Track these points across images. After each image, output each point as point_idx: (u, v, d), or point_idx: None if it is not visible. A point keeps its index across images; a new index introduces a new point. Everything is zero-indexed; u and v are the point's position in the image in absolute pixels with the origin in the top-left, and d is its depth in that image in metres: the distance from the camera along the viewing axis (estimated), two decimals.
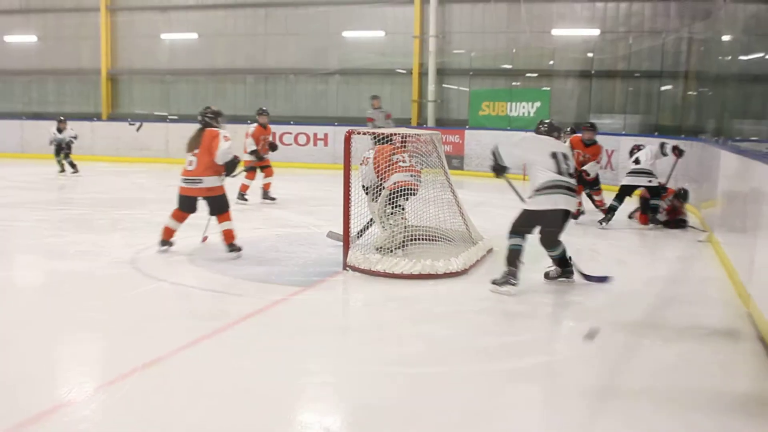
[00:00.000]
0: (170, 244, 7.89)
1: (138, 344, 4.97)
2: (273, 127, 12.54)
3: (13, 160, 19.69)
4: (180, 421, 3.79)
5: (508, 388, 4.32)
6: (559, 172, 6.41)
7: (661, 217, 10.07)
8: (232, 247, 7.71)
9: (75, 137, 16.18)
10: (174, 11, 21.00)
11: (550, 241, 6.60)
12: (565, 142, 10.93)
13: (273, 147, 12.02)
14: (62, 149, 16.03)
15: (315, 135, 18.32)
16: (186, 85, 21.29)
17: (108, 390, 4.18)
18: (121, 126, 20.13)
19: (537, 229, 6.50)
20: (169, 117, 20.64)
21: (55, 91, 22.30)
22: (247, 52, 20.51)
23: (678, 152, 10.31)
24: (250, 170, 11.73)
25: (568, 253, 6.73)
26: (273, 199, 11.99)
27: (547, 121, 6.99)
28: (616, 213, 10.17)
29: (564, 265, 6.75)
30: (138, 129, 18.60)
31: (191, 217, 7.81)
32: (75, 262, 7.54)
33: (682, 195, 10.23)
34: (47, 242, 8.75)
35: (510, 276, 6.36)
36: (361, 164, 7.79)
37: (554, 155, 6.47)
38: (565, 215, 6.45)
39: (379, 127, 12.18)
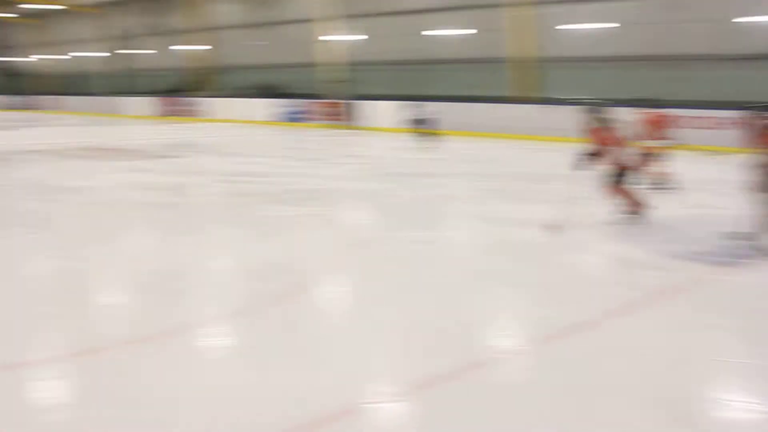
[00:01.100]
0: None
1: (566, 306, 5.05)
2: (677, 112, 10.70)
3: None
4: (604, 386, 3.76)
5: None
6: None
7: None
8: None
9: (433, 116, 16.94)
10: (593, 2, 20.72)
11: None
12: None
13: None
14: (422, 126, 16.85)
15: (719, 120, 16.44)
16: (603, 71, 20.85)
17: (538, 347, 4.33)
18: (524, 108, 20.12)
19: None
20: (588, 101, 20.26)
21: (482, 77, 23.32)
22: (657, 39, 19.44)
23: None
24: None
25: None
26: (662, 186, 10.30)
27: None
28: None
29: None
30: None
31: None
32: (505, 228, 7.91)
33: None
34: (479, 209, 9.30)
35: None
36: None
37: None
38: None
39: None
